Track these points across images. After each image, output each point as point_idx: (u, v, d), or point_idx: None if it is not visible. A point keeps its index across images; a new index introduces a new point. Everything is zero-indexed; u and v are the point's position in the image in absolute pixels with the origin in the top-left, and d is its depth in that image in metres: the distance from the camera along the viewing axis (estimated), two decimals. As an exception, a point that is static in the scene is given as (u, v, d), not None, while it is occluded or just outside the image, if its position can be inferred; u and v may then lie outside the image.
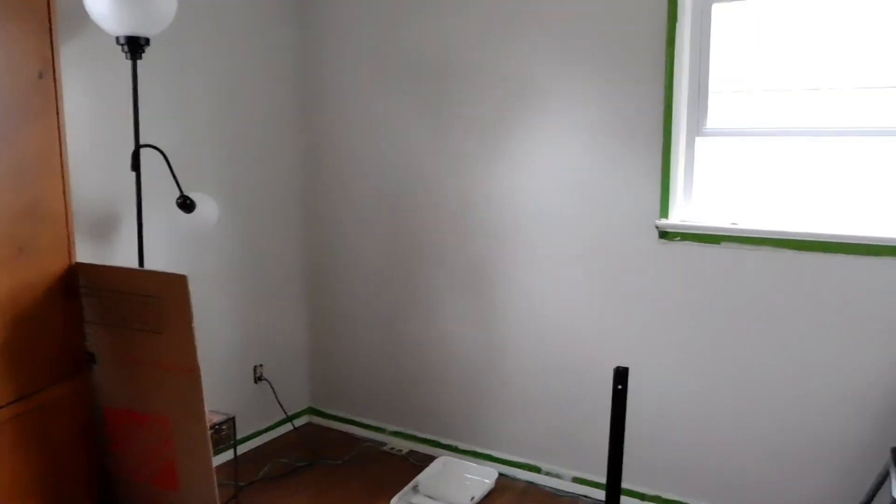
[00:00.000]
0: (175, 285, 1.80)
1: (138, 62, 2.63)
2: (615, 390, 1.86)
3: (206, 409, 2.02)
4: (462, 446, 3.54)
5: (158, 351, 1.87)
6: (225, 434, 2.55)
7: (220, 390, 3.46)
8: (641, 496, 3.09)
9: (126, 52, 2.58)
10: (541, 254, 3.20)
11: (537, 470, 3.34)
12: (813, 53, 2.67)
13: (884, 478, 2.47)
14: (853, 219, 2.65)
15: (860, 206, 2.64)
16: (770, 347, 2.77)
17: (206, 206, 2.76)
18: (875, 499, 2.52)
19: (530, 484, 3.33)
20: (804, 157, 2.72)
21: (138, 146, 2.64)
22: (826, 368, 2.68)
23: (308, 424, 3.99)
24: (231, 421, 2.57)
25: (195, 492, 1.88)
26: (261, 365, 3.69)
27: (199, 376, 1.68)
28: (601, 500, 3.10)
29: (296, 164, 3.81)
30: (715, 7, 2.78)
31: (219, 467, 3.32)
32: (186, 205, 2.72)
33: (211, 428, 2.45)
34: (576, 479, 3.23)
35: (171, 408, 1.89)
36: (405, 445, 3.71)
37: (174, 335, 1.85)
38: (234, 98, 3.42)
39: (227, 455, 3.35)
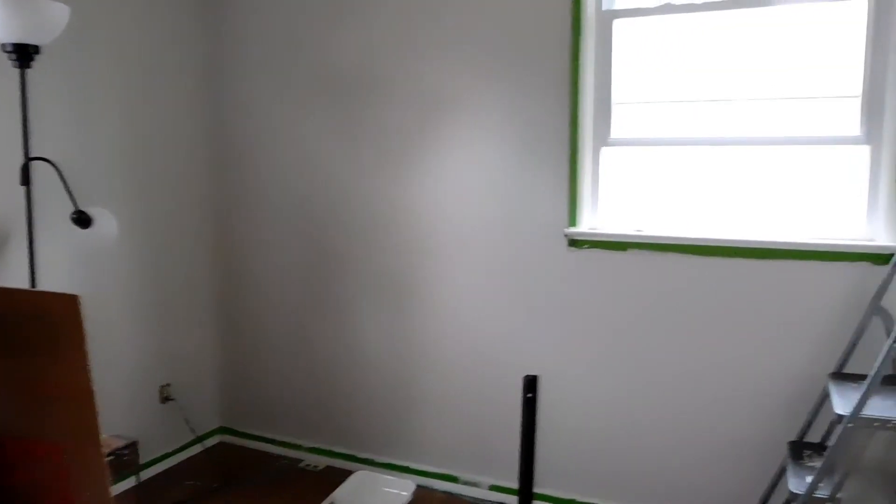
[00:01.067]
0: (66, 306, 1.69)
1: (28, 71, 2.50)
2: (525, 398, 1.88)
3: (105, 434, 1.92)
4: (379, 459, 3.50)
5: (51, 376, 1.76)
6: (128, 459, 2.43)
7: (124, 413, 3.31)
8: (557, 500, 3.13)
9: (14, 61, 2.45)
10: (454, 264, 3.20)
11: (455, 480, 3.34)
12: (710, 66, 2.78)
13: (782, 472, 2.59)
14: (751, 224, 2.77)
15: (758, 212, 2.77)
16: (676, 350, 2.85)
17: (104, 222, 2.64)
18: (775, 491, 2.63)
19: (449, 494, 3.32)
20: (705, 166, 2.83)
21: (28, 159, 2.50)
22: (727, 368, 2.78)
23: (220, 444, 3.87)
24: (133, 445, 2.45)
25: (94, 522, 1.78)
26: (168, 384, 3.55)
27: (93, 401, 1.58)
28: (518, 507, 3.12)
29: (203, 177, 3.69)
30: (616, 22, 2.86)
31: (123, 494, 3.17)
32: (82, 220, 2.59)
33: (111, 454, 2.33)
34: (493, 487, 3.25)
35: (65, 435, 1.78)
36: (322, 461, 3.64)
37: (67, 359, 1.74)
38: (137, 109, 3.29)
39: (132, 481, 3.20)
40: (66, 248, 2.97)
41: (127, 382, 3.34)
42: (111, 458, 2.34)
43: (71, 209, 2.64)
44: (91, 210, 2.64)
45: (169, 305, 3.54)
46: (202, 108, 3.65)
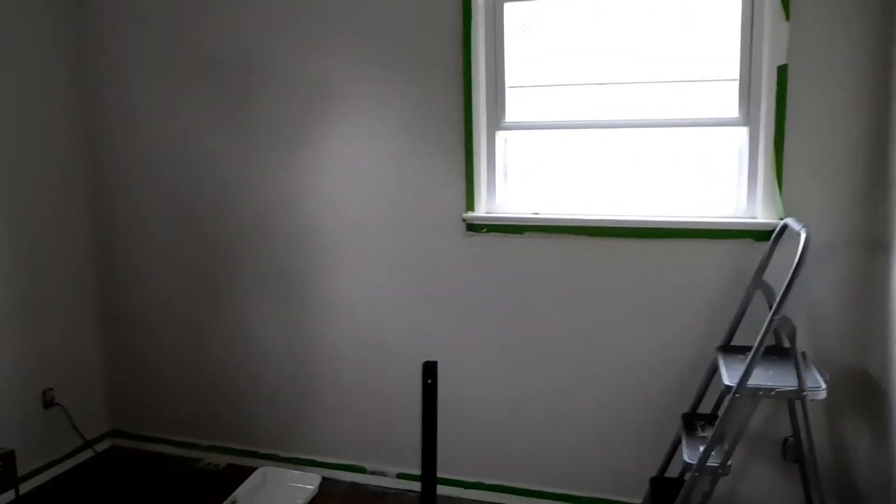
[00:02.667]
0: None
1: None
2: (425, 384, 1.86)
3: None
4: (283, 454, 3.42)
5: None
6: (2, 471, 2.26)
7: (2, 421, 3.08)
8: (463, 484, 3.14)
9: None
10: (350, 255, 3.15)
11: (362, 470, 3.30)
12: (599, 50, 2.83)
13: (677, 443, 2.68)
14: (640, 205, 2.85)
15: (646, 193, 2.85)
16: (571, 330, 2.91)
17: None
18: (671, 463, 2.73)
19: (354, 485, 3.28)
20: (596, 148, 2.89)
21: None
22: (621, 346, 2.86)
23: (111, 448, 3.67)
24: (10, 455, 2.28)
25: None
26: (51, 388, 3.34)
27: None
28: (425, 494, 3.12)
29: (76, 170, 3.47)
30: (507, 6, 2.86)
31: (3, 508, 2.97)
32: (-58, 216, 2.38)
33: (-16, 467, 2.16)
34: (401, 475, 3.23)
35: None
36: (222, 459, 3.52)
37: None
38: None
39: (10, 495, 2.98)
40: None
41: (3, 389, 3.12)
42: (-16, 471, 2.17)
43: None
44: (-48, 205, 2.43)
45: (44, 306, 3.31)
46: (69, 90, 3.42)
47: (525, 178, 2.99)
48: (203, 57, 3.23)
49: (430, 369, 1.84)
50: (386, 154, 3.03)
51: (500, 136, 2.95)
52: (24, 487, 3.12)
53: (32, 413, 3.26)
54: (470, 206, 2.95)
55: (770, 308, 2.34)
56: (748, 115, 2.66)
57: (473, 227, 2.95)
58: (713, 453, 2.30)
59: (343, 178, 3.10)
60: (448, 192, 2.97)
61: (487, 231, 2.94)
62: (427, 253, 3.04)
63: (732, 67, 2.67)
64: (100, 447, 3.61)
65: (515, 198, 2.99)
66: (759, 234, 2.63)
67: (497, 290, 2.97)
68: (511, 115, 2.93)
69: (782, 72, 2.54)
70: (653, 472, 2.77)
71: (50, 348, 3.35)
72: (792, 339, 2.23)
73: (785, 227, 2.50)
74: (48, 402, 3.32)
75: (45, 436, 3.32)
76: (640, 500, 2.83)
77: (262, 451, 3.45)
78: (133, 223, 3.48)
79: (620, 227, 2.78)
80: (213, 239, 3.36)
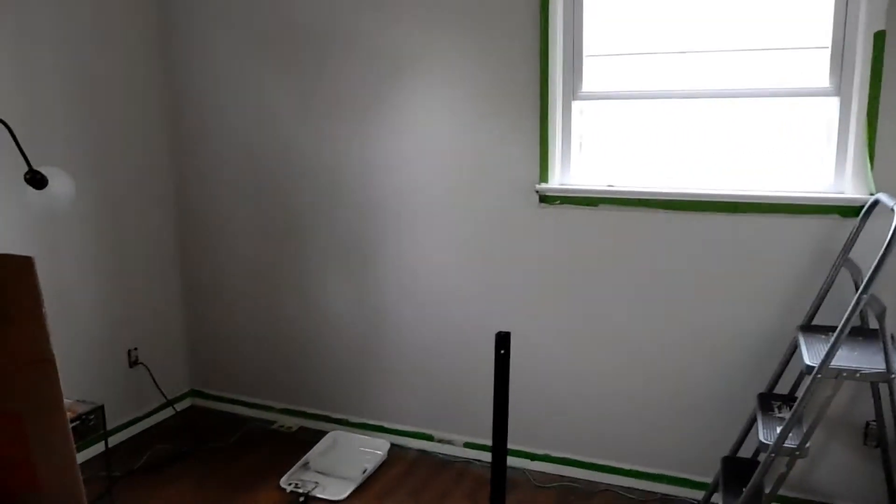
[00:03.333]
0: (19, 268, 1.62)
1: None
2: (497, 355, 1.86)
3: (68, 399, 1.87)
4: (353, 420, 3.49)
5: (5, 341, 1.69)
6: (93, 424, 2.39)
7: (90, 379, 3.25)
8: (531, 456, 3.15)
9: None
10: (422, 223, 3.16)
11: (430, 438, 3.34)
12: (681, 17, 2.73)
13: (752, 423, 2.62)
14: (721, 178, 2.76)
15: (727, 166, 2.75)
16: (646, 304, 2.86)
17: (60, 182, 2.54)
18: (745, 443, 2.67)
19: (422, 452, 3.33)
20: (675, 119, 2.80)
21: (-24, 118, 2.39)
22: (698, 323, 2.79)
23: (191, 408, 3.83)
24: (99, 410, 2.40)
25: (60, 489, 1.73)
26: (135, 349, 3.49)
27: (53, 366, 1.53)
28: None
29: (160, 137, 3.58)
30: (587, -29, 2.79)
31: (92, 460, 3.13)
32: (36, 180, 2.48)
33: (76, 419, 2.29)
34: (467, 445, 3.26)
35: (24, 403, 1.72)
36: (294, 422, 3.62)
37: (22, 324, 1.67)
38: (88, 68, 3.16)
39: (100, 447, 3.15)
40: (20, 211, 2.87)
41: (93, 347, 3.28)
42: (76, 423, 2.29)
43: (24, 169, 2.53)
44: (46, 169, 2.53)
45: (131, 269, 3.46)
46: (155, 62, 3.52)
47: (600, 150, 2.93)
48: (279, 26, 3.27)
49: (503, 340, 1.84)
50: (460, 124, 3.01)
51: (577, 106, 2.90)
52: (112, 441, 3.29)
53: (119, 371, 3.42)
54: (543, 177, 2.91)
55: (856, 287, 2.25)
56: (840, 84, 2.54)
57: (546, 199, 2.92)
58: (791, 434, 2.24)
59: (416, 148, 3.11)
60: (521, 163, 2.94)
61: (560, 203, 2.91)
62: (499, 224, 3.02)
63: (824, 34, 2.54)
64: (180, 406, 3.76)
65: (590, 170, 2.94)
66: (847, 210, 2.52)
67: (569, 263, 2.94)
68: (588, 84, 2.87)
69: (879, 38, 2.40)
70: (725, 452, 2.72)
71: (136, 312, 3.50)
72: (881, 319, 2.14)
73: (876, 202, 2.38)
74: (133, 362, 3.48)
75: (130, 393, 3.48)
76: (711, 480, 2.78)
77: (333, 415, 3.53)
78: (213, 189, 3.58)
79: (699, 201, 2.71)
80: (289, 204, 3.42)
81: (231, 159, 3.51)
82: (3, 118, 2.51)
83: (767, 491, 2.32)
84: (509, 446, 3.03)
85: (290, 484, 3.01)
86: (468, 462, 3.23)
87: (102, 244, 3.29)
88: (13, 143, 2.52)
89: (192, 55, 3.49)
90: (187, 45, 3.49)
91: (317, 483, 3.01)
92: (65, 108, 3.07)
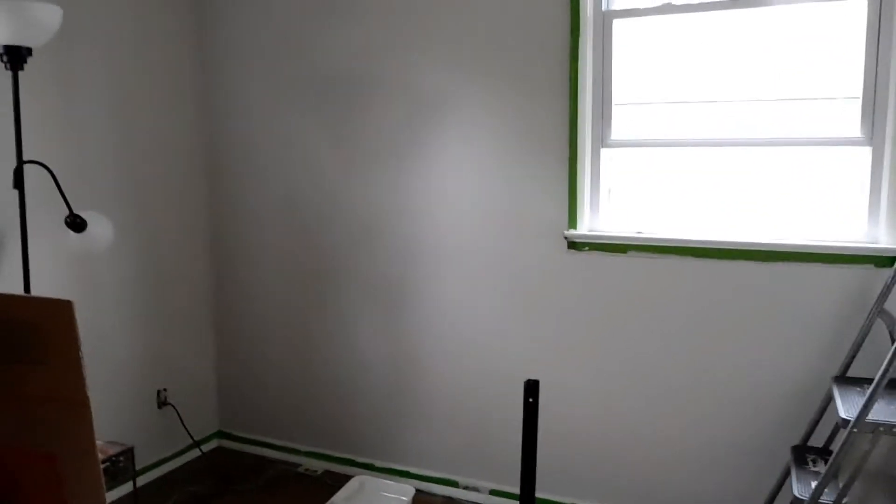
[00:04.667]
0: (59, 312, 1.66)
1: (20, 73, 2.47)
2: (526, 403, 1.85)
3: (100, 441, 1.89)
4: (379, 464, 3.47)
5: (42, 383, 1.72)
6: (123, 466, 2.41)
7: (120, 419, 3.28)
8: (557, 505, 3.10)
9: (6, 63, 2.42)
10: (452, 267, 3.18)
11: (455, 484, 3.31)
12: (710, 67, 2.76)
13: (785, 476, 2.56)
14: (752, 226, 2.75)
15: (759, 214, 2.74)
16: (676, 354, 2.83)
17: (99, 225, 2.61)
18: (778, 496, 2.61)
19: (448, 499, 3.29)
20: (706, 167, 2.81)
21: (21, 162, 2.47)
22: (729, 372, 2.75)
23: (217, 449, 3.84)
24: (129, 452, 2.42)
25: (89, 532, 1.74)
26: (165, 389, 3.52)
27: (87, 407, 1.55)
28: (518, 512, 3.10)
29: (197, 180, 3.66)
30: (616, 21, 2.84)
31: (118, 501, 3.14)
32: (76, 224, 2.56)
33: (107, 460, 2.30)
34: (493, 492, 3.22)
35: (58, 443, 1.74)
36: (320, 466, 3.61)
37: (59, 365, 1.71)
38: (129, 112, 3.26)
39: (128, 487, 3.16)
40: (60, 253, 2.94)
41: (123, 387, 3.31)
42: (107, 464, 2.31)
43: (65, 213, 2.61)
44: (85, 214, 2.61)
45: (164, 309, 3.51)
46: (193, 108, 3.62)
47: (630, 196, 2.94)
48: (314, 70, 3.35)
49: (531, 388, 1.83)
50: (489, 168, 3.05)
51: (606, 153, 2.92)
52: (140, 481, 3.30)
53: (148, 412, 3.45)
54: (572, 223, 2.92)
55: (892, 338, 2.21)
56: (872, 133, 2.53)
57: (575, 245, 2.93)
58: (826, 489, 2.18)
59: (446, 191, 3.14)
60: (550, 209, 2.95)
61: (589, 249, 2.91)
62: (527, 269, 3.03)
63: (854, 83, 2.54)
64: (206, 447, 3.77)
65: (619, 216, 2.94)
66: (882, 260, 2.49)
67: (598, 310, 2.93)
68: (617, 132, 2.89)
69: (911, 89, 2.40)
70: (759, 505, 2.66)
71: (166, 352, 3.54)
72: (918, 372, 2.09)
73: (911, 252, 2.35)
74: (162, 402, 3.51)
75: (158, 434, 3.50)
76: (745, 534, 2.71)
77: (359, 459, 3.52)
78: (248, 230, 3.64)
79: (730, 249, 2.69)
80: (321, 247, 3.46)
81: (267, 202, 3.57)
82: (46, 163, 2.60)
83: (804, 548, 2.26)
84: (537, 495, 3.00)
85: (315, 529, 2.99)
86: (494, 510, 3.19)
87: (136, 286, 3.35)
88: (54, 187, 2.60)
89: (227, 99, 3.58)
90: (224, 91, 3.59)
91: (342, 529, 2.98)
92: (106, 155, 3.15)
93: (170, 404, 3.54)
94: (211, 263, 3.76)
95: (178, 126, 3.52)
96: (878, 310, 2.43)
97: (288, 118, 3.45)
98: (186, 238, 3.61)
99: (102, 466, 2.35)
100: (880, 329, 2.42)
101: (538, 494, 3.03)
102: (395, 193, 3.25)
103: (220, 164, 3.66)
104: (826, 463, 2.36)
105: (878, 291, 2.45)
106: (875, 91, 2.50)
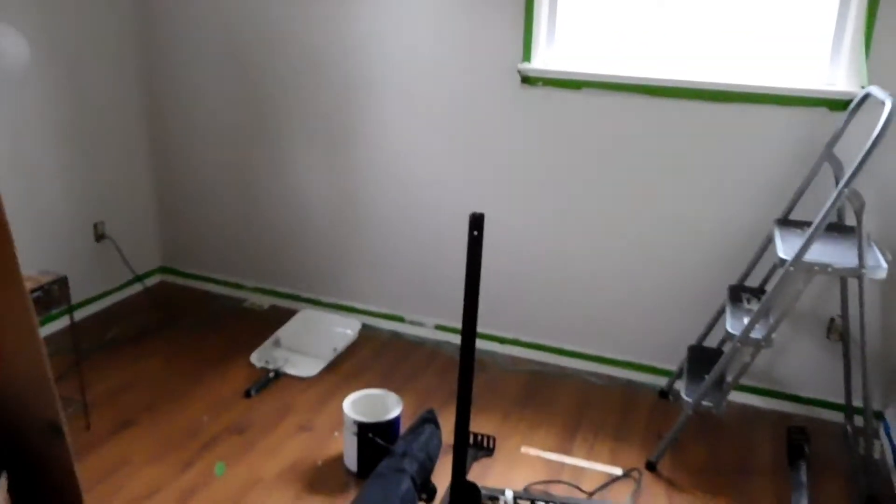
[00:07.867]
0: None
1: None
2: (471, 236, 1.82)
3: (30, 270, 1.81)
4: (325, 300, 3.49)
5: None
6: (57, 296, 2.33)
7: (56, 252, 3.18)
8: (500, 339, 3.18)
9: None
10: (399, 103, 3.04)
11: (400, 319, 3.36)
12: None
13: (720, 313, 2.65)
14: (710, 66, 2.66)
15: (718, 54, 2.65)
16: (625, 191, 2.82)
17: (11, 42, 2.38)
18: (711, 332, 2.71)
19: (394, 333, 3.35)
20: (666, 4, 2.67)
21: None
22: (675, 212, 2.77)
23: (160, 284, 3.79)
24: (62, 281, 2.34)
25: (21, 361, 1.70)
26: (102, 222, 3.40)
27: (7, 233, 1.46)
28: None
29: (129, 6, 3.35)
30: None
31: (56, 333, 3.10)
32: (-14, 38, 2.33)
33: (38, 289, 2.23)
34: (438, 327, 3.28)
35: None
36: (265, 301, 3.61)
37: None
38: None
39: (65, 321, 3.11)
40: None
41: (56, 220, 3.19)
42: (38, 293, 2.24)
43: (-28, 26, 2.36)
44: (-5, 27, 2.37)
45: (97, 142, 3.32)
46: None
47: (587, 32, 2.80)
48: None
49: (476, 221, 1.79)
50: (444, 1, 2.85)
51: (565, -19, 2.74)
52: (78, 315, 3.25)
53: (84, 245, 3.34)
54: (526, 56, 2.78)
55: (837, 182, 2.22)
56: (842, -32, 2.41)
57: (528, 80, 2.81)
58: (757, 326, 2.26)
59: (395, 23, 2.95)
60: (504, 41, 2.80)
61: (543, 84, 2.80)
62: (479, 104, 2.92)
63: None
64: (149, 282, 3.72)
65: (575, 52, 2.81)
66: (836, 104, 2.45)
67: (549, 147, 2.87)
68: (578, -42, 2.70)
69: (890, -82, 2.26)
70: (692, 342, 2.76)
71: (103, 185, 3.39)
72: (859, 214, 2.12)
73: (867, 96, 2.31)
74: (99, 236, 3.40)
75: (97, 268, 3.42)
76: (676, 368, 2.84)
77: (305, 295, 3.52)
78: (188, 58, 3.39)
79: (685, 88, 2.61)
80: (265, 81, 3.27)
81: (205, 32, 3.30)
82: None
83: (729, 379, 2.37)
84: (479, 329, 3.06)
85: (260, 360, 3.02)
86: (439, 343, 3.26)
87: (66, 116, 3.14)
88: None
89: None
90: None
91: (287, 360, 3.03)
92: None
93: (108, 238, 3.43)
94: (145, 93, 3.52)
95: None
96: (827, 154, 2.42)
97: (222, -70, 3.13)
98: (113, 60, 3.35)
99: (34, 295, 2.27)
100: (827, 173, 2.43)
101: (484, 330, 3.10)
102: (341, 28, 3.03)
103: (148, -19, 3.34)
104: (760, 301, 2.44)
105: (829, 135, 2.43)
106: (852, -80, 2.36)
